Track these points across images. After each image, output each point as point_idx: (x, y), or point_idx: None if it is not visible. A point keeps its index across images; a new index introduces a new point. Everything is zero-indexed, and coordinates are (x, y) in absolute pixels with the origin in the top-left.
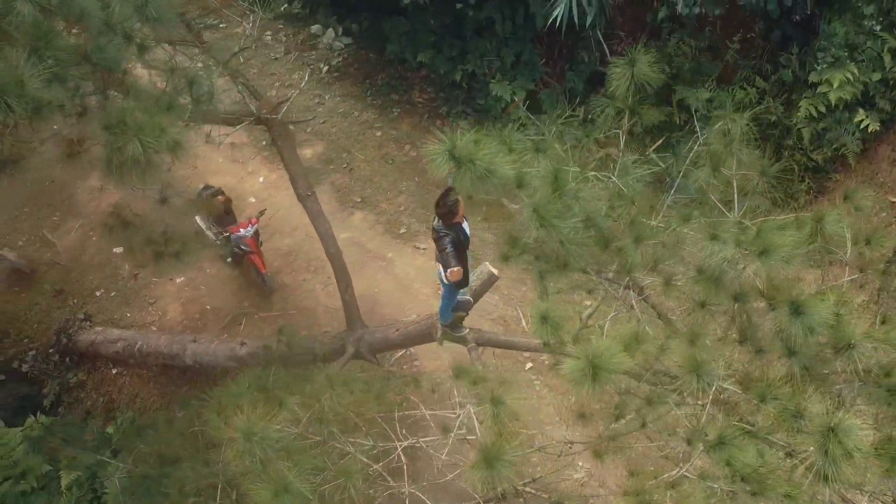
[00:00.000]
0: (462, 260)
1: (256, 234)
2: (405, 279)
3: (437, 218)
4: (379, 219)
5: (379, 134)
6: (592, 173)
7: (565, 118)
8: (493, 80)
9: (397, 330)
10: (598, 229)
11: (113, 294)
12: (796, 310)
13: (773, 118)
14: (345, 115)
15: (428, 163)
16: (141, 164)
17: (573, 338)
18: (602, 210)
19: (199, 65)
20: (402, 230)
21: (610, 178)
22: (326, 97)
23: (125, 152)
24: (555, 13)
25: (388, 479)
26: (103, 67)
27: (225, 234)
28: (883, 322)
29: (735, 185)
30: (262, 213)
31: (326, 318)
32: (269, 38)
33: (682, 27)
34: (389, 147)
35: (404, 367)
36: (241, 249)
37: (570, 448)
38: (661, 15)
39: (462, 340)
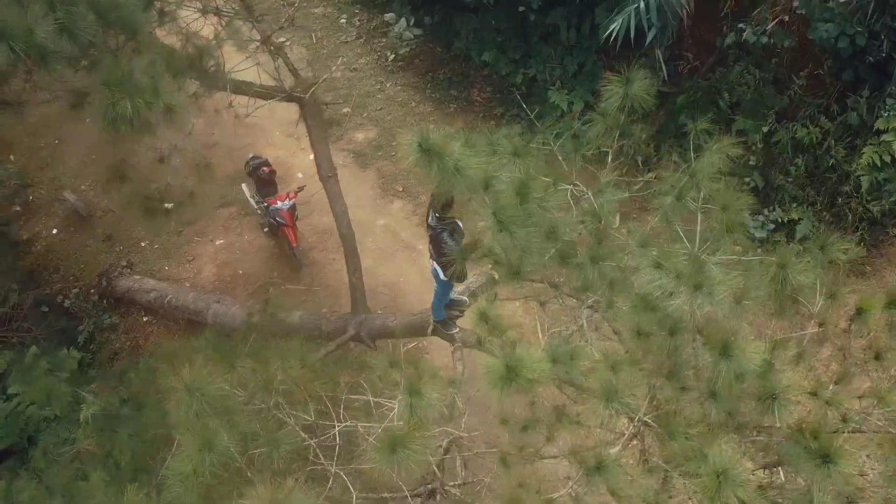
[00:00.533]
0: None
1: (293, 208)
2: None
3: (431, 214)
4: (416, 210)
5: (432, 128)
6: (570, 185)
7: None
8: (551, 88)
9: (395, 319)
10: (559, 242)
11: (156, 247)
12: (725, 352)
13: (832, 162)
14: (402, 105)
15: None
16: (134, 123)
17: (504, 341)
18: (567, 224)
19: (245, 37)
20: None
21: (585, 193)
22: (388, 85)
23: (118, 109)
24: (611, 27)
25: (320, 456)
26: (119, 26)
27: (264, 204)
28: (837, 382)
29: (699, 217)
30: (300, 188)
31: (348, 300)
32: (345, 21)
33: (748, 55)
34: None
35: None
36: (277, 221)
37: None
38: (727, 41)
39: (450, 339)
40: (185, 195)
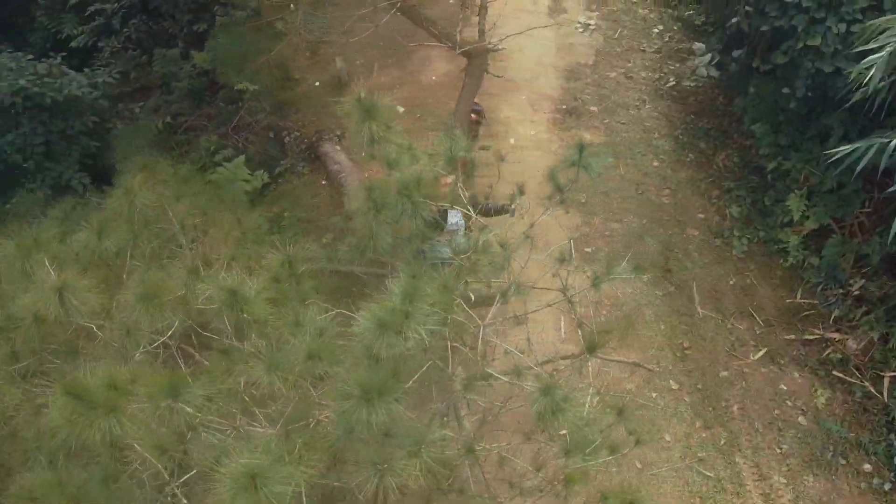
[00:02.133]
0: None
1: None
2: None
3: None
4: (588, 231)
5: (655, 164)
6: None
7: None
8: (795, 192)
9: None
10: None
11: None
12: None
13: None
14: (644, 130)
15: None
16: None
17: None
18: None
19: None
20: (588, 249)
21: None
22: (647, 106)
23: None
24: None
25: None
26: None
27: None
28: None
29: None
30: (486, 147)
31: None
32: (656, 32)
33: None
34: (650, 181)
35: None
36: None
37: None
38: None
39: None
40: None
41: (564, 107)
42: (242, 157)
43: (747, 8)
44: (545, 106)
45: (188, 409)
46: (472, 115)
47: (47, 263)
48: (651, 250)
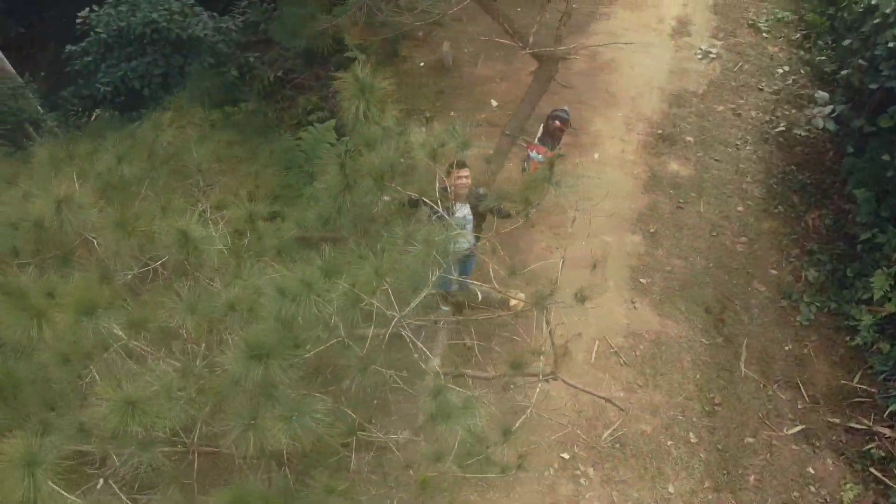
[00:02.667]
0: None
1: (542, 165)
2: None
3: None
4: (649, 262)
5: (739, 209)
6: None
7: None
8: (882, 268)
9: None
10: None
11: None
12: None
13: None
14: (737, 172)
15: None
16: None
17: None
18: None
19: None
20: (643, 280)
21: None
22: (746, 147)
23: None
24: None
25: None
26: None
27: (525, 147)
28: None
29: None
30: (560, 154)
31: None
32: (780, 72)
33: None
34: (729, 225)
35: None
36: (524, 166)
37: None
38: None
39: None
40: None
41: (660, 132)
42: (333, 122)
43: (861, 62)
44: (640, 127)
45: (112, 329)
46: (556, 123)
47: (74, 177)
48: (709, 295)
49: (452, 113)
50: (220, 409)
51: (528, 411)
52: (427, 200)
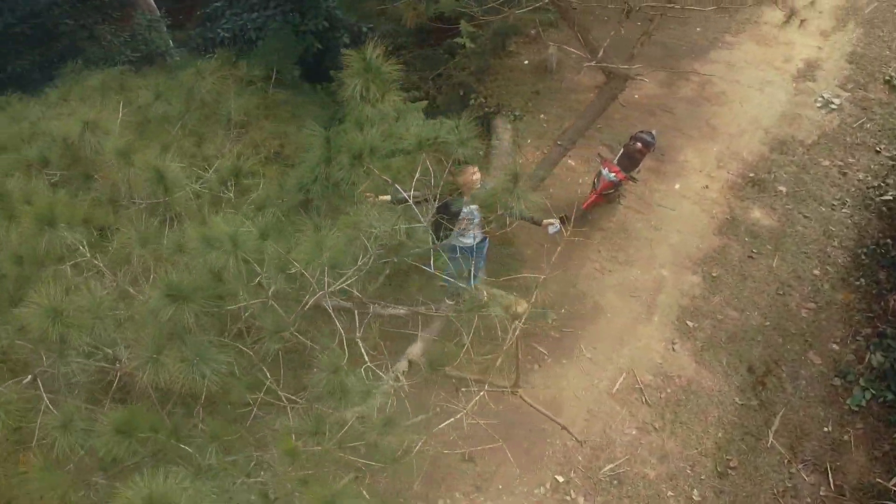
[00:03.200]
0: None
1: (614, 185)
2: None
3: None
4: (702, 305)
5: (816, 272)
6: None
7: None
8: None
9: None
10: None
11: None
12: None
13: None
14: (826, 233)
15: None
16: None
17: None
18: None
19: None
20: (690, 323)
21: None
22: (843, 209)
23: None
24: None
25: None
26: None
27: (600, 163)
28: None
29: None
30: (633, 178)
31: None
32: None
33: None
34: (799, 286)
35: None
36: (593, 182)
37: None
38: None
39: None
40: None
41: (752, 175)
42: (423, 104)
43: None
44: (733, 166)
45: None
46: (638, 145)
47: (121, 107)
48: (756, 355)
49: (542, 115)
50: (140, 338)
51: (460, 415)
52: (408, 198)
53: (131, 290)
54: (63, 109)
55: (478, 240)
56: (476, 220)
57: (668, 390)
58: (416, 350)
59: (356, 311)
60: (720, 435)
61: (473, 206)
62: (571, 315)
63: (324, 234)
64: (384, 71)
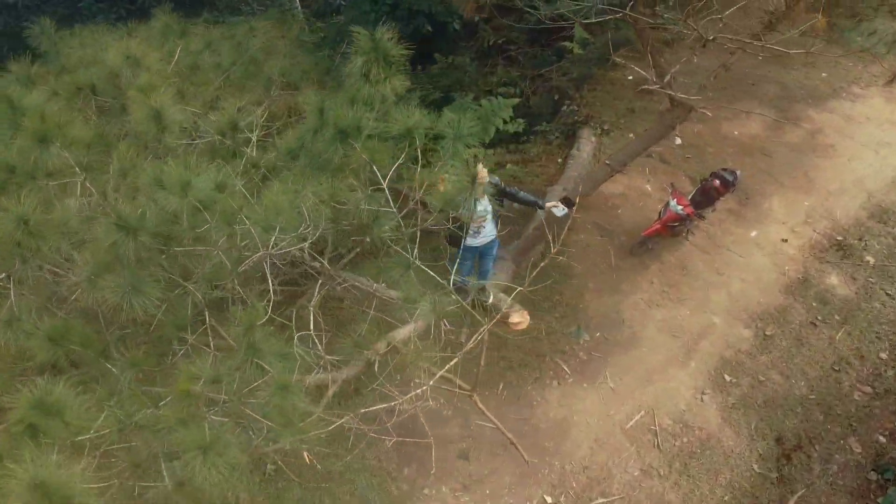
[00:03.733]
0: None
1: (680, 218)
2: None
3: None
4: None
5: (882, 355)
6: None
7: None
8: None
9: None
10: None
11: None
12: None
13: None
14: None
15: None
16: None
17: None
18: None
19: None
20: (728, 377)
21: None
22: None
23: None
24: None
25: None
26: None
27: (671, 193)
28: None
29: None
30: (702, 216)
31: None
32: None
33: None
34: (858, 366)
35: None
36: (660, 211)
37: None
38: None
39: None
40: None
41: (840, 238)
42: (515, 101)
43: None
44: (821, 225)
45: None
46: (716, 182)
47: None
48: (790, 427)
49: (630, 134)
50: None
51: (395, 403)
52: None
53: (103, 215)
54: (129, 43)
55: (487, 240)
56: (489, 216)
57: (685, 439)
58: (401, 334)
59: (319, 280)
60: (726, 499)
61: (485, 203)
62: (606, 340)
63: (278, 197)
64: (391, 54)
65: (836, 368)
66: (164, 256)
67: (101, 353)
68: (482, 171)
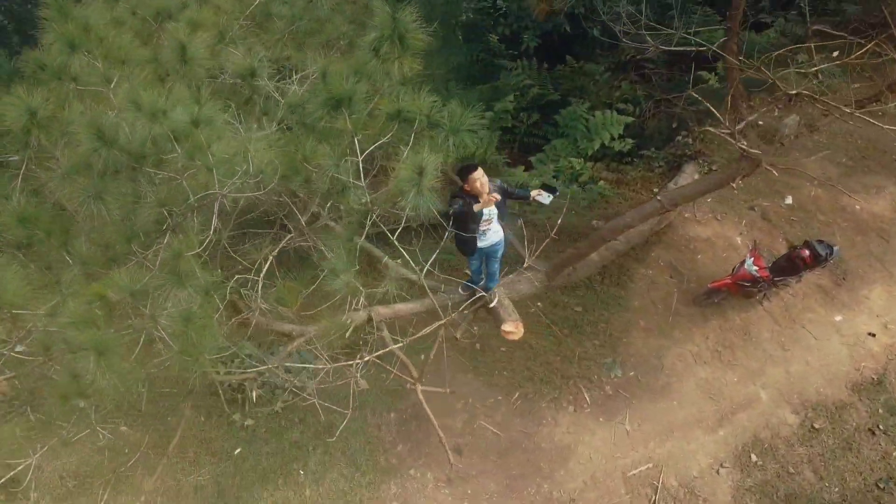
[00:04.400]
0: (462, 229)
1: (753, 279)
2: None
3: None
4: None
5: None
6: None
7: None
8: None
9: None
10: None
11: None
12: None
13: None
14: None
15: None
16: None
17: None
18: None
19: None
20: (758, 458)
21: None
22: None
23: None
24: None
25: None
26: None
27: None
28: None
29: None
30: (776, 283)
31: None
32: None
33: None
34: (893, 495)
35: None
36: (735, 266)
37: None
38: None
39: None
40: None
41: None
42: (629, 119)
43: None
44: None
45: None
46: (805, 252)
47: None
48: None
49: (732, 185)
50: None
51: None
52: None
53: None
54: None
55: (492, 242)
56: (495, 216)
57: (685, 497)
58: (407, 307)
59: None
60: None
61: (491, 208)
62: (637, 382)
63: (246, 140)
64: (409, 36)
65: (881, 486)
66: (133, 172)
67: (62, 245)
68: (483, 178)
